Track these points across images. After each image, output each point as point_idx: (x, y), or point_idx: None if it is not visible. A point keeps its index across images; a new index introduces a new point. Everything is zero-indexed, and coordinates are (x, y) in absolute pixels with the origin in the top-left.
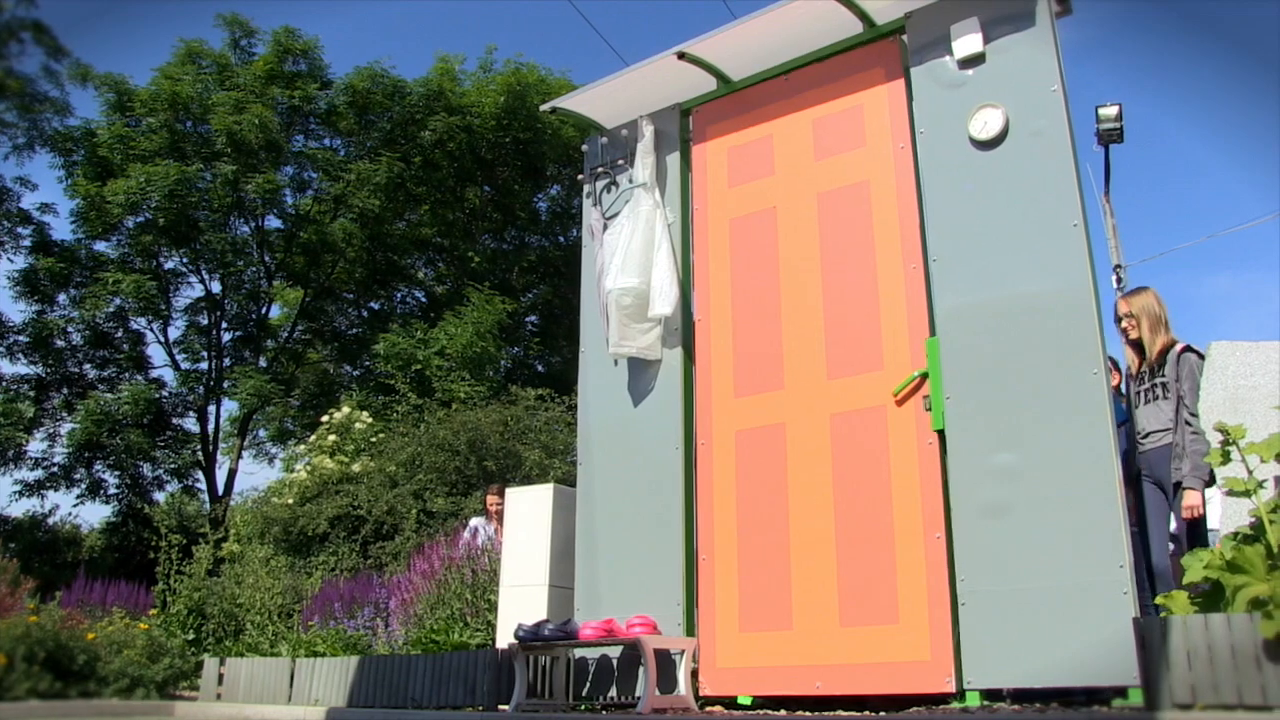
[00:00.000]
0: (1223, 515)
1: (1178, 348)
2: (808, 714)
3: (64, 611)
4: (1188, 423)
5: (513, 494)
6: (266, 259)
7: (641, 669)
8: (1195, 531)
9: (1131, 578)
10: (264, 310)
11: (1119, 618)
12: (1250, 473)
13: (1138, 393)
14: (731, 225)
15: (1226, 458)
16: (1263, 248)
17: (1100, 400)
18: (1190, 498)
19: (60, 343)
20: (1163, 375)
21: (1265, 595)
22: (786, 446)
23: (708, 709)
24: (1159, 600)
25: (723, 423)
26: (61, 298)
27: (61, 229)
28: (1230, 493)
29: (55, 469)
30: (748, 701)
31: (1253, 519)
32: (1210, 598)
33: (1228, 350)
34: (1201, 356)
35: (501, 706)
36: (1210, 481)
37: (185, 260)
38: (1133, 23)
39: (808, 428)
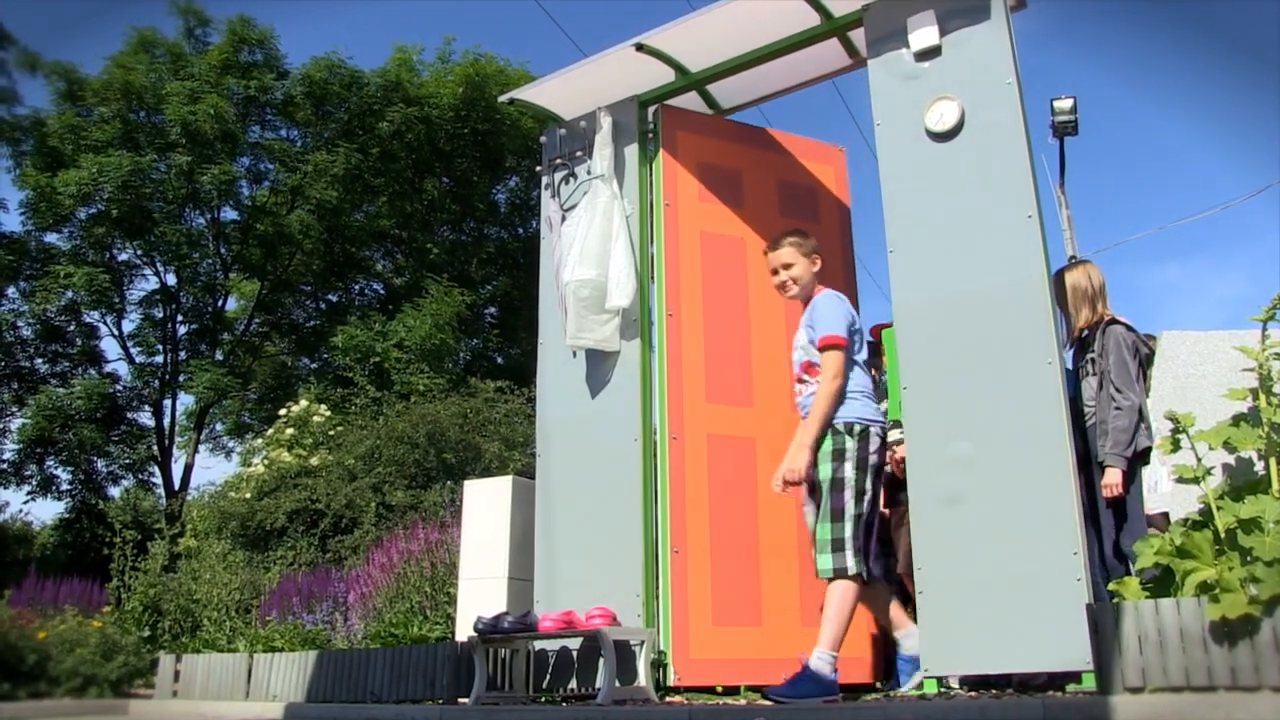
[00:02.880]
0: (1162, 495)
1: (1105, 321)
2: (767, 703)
3: (14, 611)
4: (1112, 398)
5: (471, 486)
6: (222, 251)
7: (601, 660)
8: (1120, 510)
9: (1085, 564)
10: (220, 303)
11: (1073, 604)
12: (1199, 460)
13: (1075, 370)
14: (703, 237)
15: (1176, 445)
16: (1208, 239)
17: (1054, 390)
18: (1109, 476)
19: (10, 336)
20: (1093, 351)
21: (1213, 579)
22: (756, 460)
23: (667, 699)
24: (1112, 586)
25: (694, 422)
26: (11, 291)
27: (10, 221)
28: (1180, 479)
29: (4, 465)
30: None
31: (1201, 505)
32: (1161, 583)
33: (1177, 339)
34: (1130, 329)
35: (461, 700)
36: (1138, 458)
37: (139, 252)
38: (1086, 13)
39: (776, 448)
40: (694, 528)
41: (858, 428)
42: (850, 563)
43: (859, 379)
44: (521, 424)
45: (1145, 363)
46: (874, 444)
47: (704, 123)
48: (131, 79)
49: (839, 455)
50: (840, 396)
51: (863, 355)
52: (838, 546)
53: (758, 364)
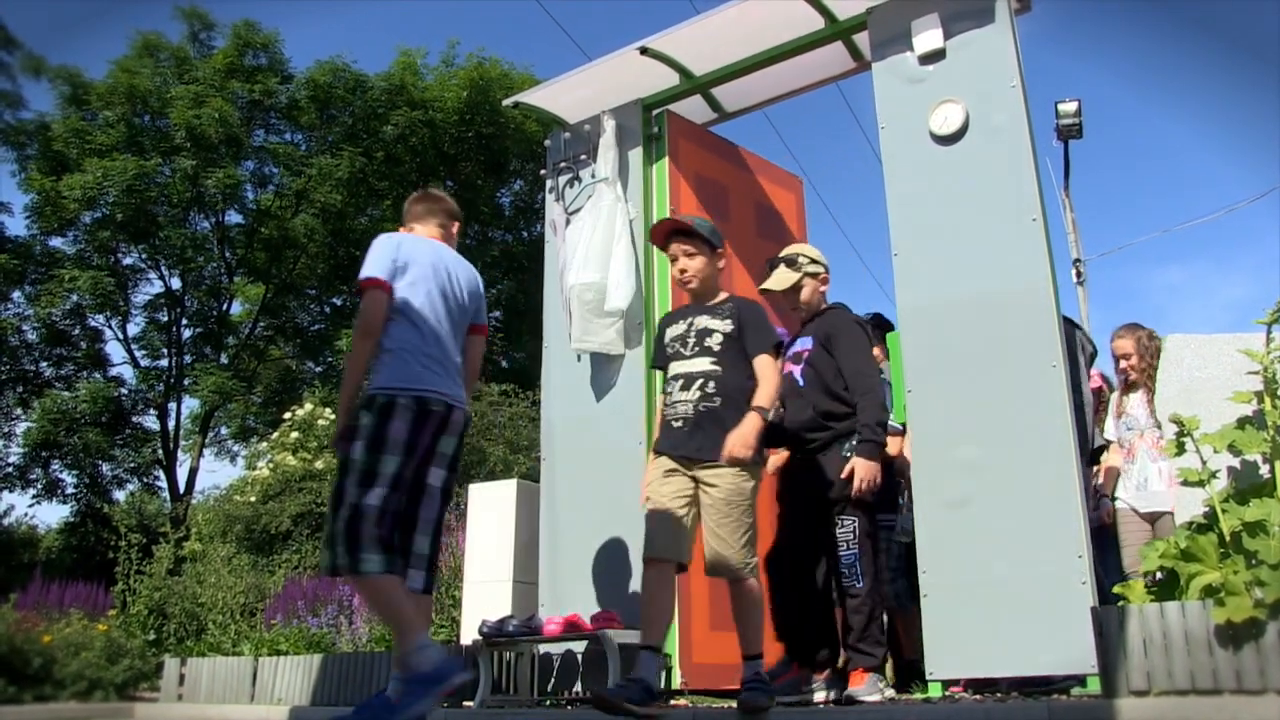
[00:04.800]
0: (1155, 493)
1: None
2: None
3: (19, 614)
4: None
5: (476, 490)
6: (227, 255)
7: (606, 663)
8: None
9: (1090, 567)
10: (225, 306)
11: (1077, 607)
12: (1204, 463)
13: None
14: None
15: (1181, 448)
16: (1210, 241)
17: (1058, 393)
18: None
19: (15, 340)
20: None
21: (1218, 582)
22: None
23: (672, 702)
24: (1117, 589)
25: None
26: (16, 295)
27: (15, 225)
28: (1185, 483)
29: (10, 469)
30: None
31: (1206, 508)
32: (1166, 586)
33: (1182, 343)
34: (1077, 327)
35: (466, 703)
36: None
37: (144, 256)
38: (1090, 15)
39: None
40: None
41: (380, 400)
42: (344, 559)
43: (400, 336)
44: (526, 428)
45: (1089, 362)
46: (400, 419)
47: (698, 133)
48: (136, 83)
49: (349, 433)
50: (370, 350)
51: (418, 301)
52: (331, 541)
53: None
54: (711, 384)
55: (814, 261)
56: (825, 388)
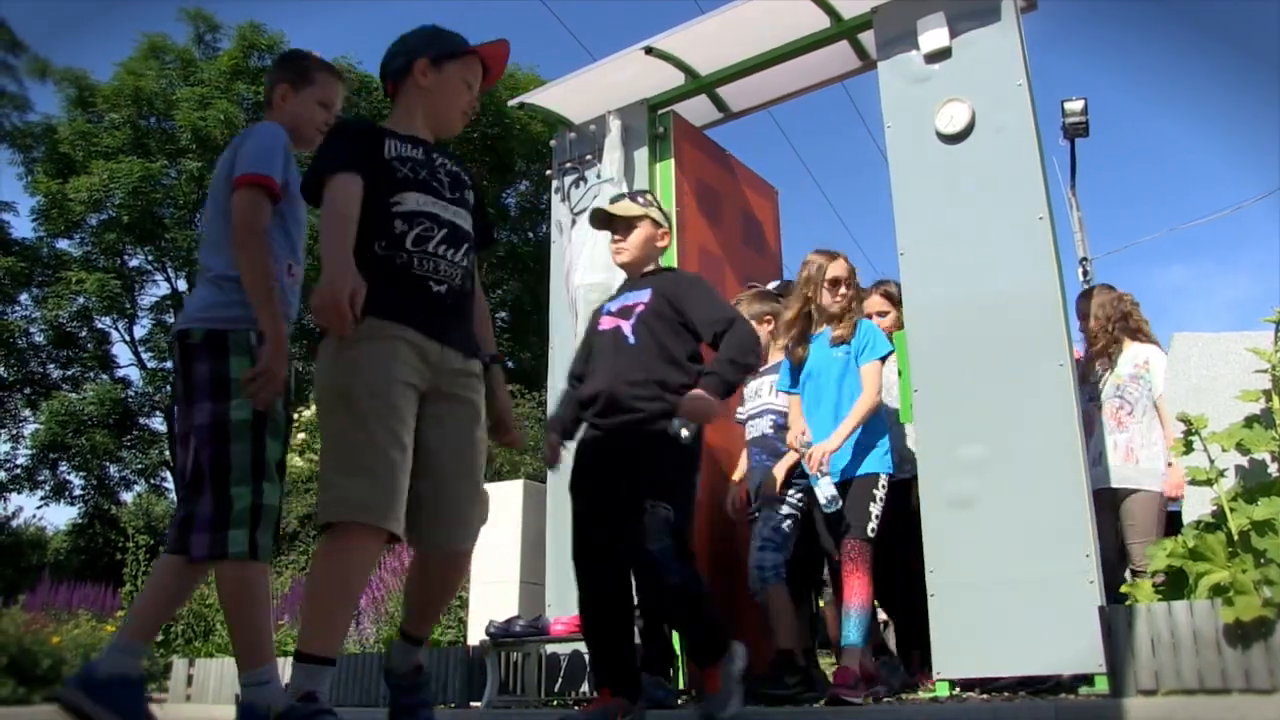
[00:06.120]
0: (1098, 471)
1: None
2: (784, 707)
3: (28, 615)
4: None
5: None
6: None
7: None
8: None
9: (1097, 566)
10: None
11: (1085, 606)
12: (1212, 462)
13: None
14: (700, 253)
15: (1189, 447)
16: (1213, 242)
17: (1066, 392)
18: None
19: (22, 343)
20: None
21: (1226, 581)
22: None
23: (680, 702)
24: (1124, 588)
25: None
26: (23, 297)
27: (22, 227)
28: (1193, 482)
29: (18, 471)
30: None
31: (1214, 507)
32: (1174, 585)
33: (1190, 342)
34: None
35: (473, 704)
36: None
37: (150, 258)
38: (1096, 15)
39: None
40: (701, 532)
41: (232, 335)
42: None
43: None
44: (533, 428)
45: None
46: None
47: (698, 137)
48: (142, 85)
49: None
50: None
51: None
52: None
53: None
54: (470, 257)
55: (661, 211)
56: (662, 349)
